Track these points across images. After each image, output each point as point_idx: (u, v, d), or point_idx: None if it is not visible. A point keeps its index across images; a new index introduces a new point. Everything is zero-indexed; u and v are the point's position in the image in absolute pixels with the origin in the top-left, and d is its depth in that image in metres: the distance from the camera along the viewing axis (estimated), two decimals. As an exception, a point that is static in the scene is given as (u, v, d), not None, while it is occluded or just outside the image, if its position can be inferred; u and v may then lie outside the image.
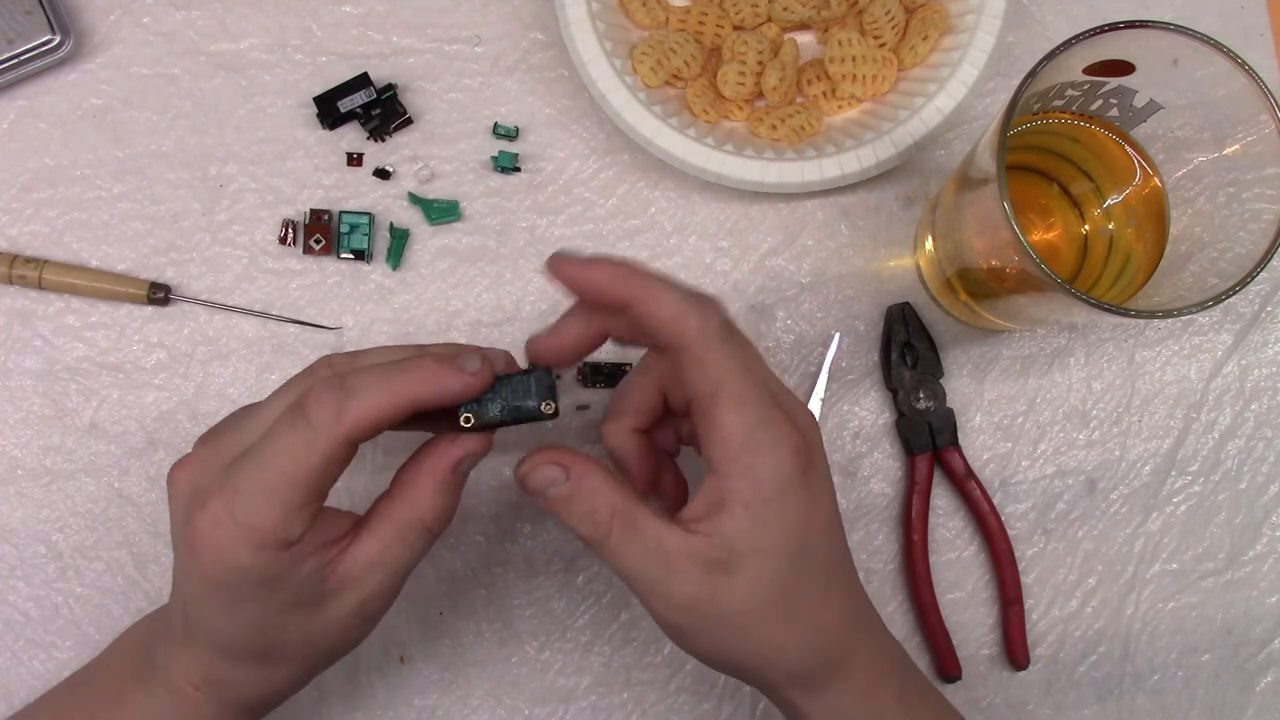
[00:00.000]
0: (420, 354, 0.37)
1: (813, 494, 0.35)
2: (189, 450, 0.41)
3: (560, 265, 0.36)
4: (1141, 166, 0.45)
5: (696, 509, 0.35)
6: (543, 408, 0.36)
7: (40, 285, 0.49)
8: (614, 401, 0.42)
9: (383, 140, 0.51)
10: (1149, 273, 0.44)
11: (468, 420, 0.36)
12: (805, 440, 0.35)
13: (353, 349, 0.50)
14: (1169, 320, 0.52)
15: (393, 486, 0.37)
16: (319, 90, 0.50)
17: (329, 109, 0.50)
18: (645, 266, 0.36)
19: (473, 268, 0.51)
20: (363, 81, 0.50)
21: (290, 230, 0.50)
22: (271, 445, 0.34)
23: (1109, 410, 0.52)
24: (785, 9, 0.50)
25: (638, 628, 0.50)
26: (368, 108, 0.50)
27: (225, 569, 0.34)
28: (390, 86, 0.51)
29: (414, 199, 0.51)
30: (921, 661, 0.50)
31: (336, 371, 0.36)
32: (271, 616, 0.35)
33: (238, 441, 0.35)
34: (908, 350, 0.51)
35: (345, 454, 0.34)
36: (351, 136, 0.51)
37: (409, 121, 0.51)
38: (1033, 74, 0.38)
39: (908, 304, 0.51)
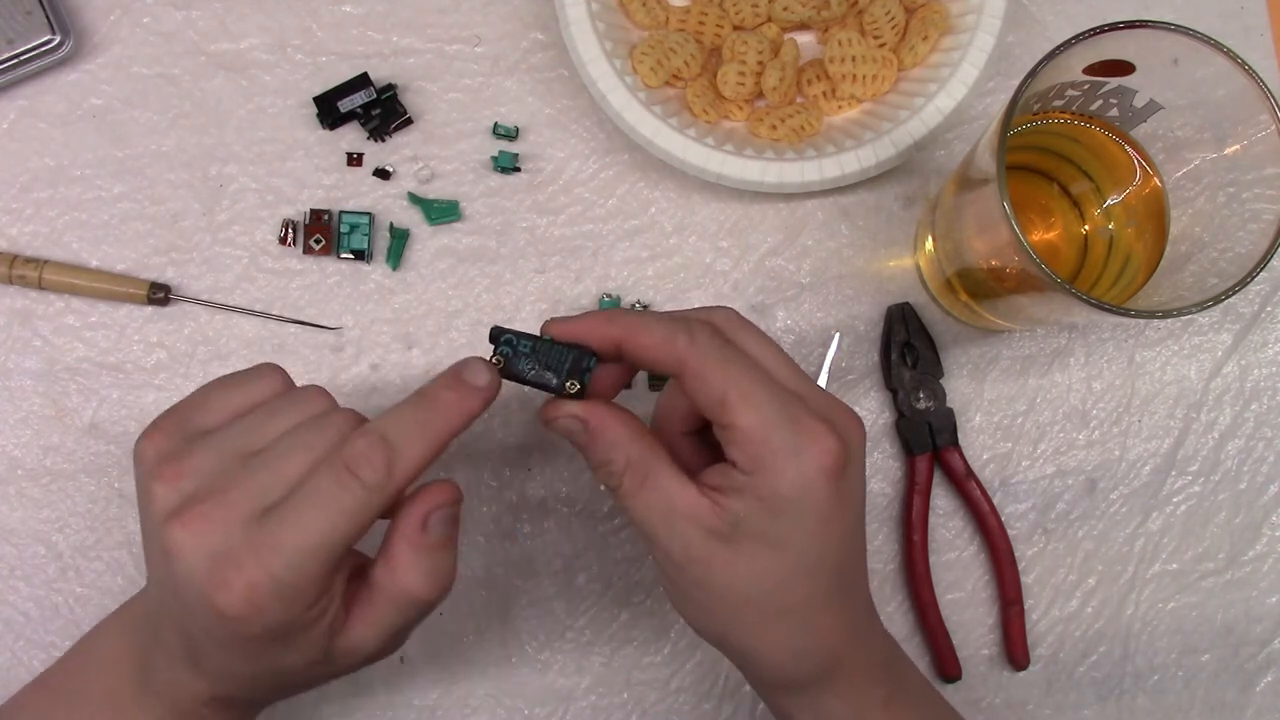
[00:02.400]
0: (430, 390, 0.36)
1: (840, 501, 0.35)
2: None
3: (550, 329, 0.37)
4: (1141, 166, 0.45)
5: (716, 477, 0.36)
6: (567, 386, 0.37)
7: (40, 285, 0.49)
8: (654, 415, 0.42)
9: (383, 140, 0.51)
10: (1149, 273, 0.44)
11: (498, 362, 0.37)
12: (841, 445, 0.34)
13: (353, 349, 0.50)
14: (1169, 320, 0.52)
15: (382, 553, 0.36)
16: (319, 90, 0.50)
17: (329, 109, 0.50)
18: (627, 310, 0.37)
19: (473, 268, 0.51)
20: (363, 81, 0.50)
21: (290, 230, 0.50)
22: (316, 505, 0.33)
23: (1109, 410, 0.52)
24: (785, 9, 0.50)
25: (638, 628, 0.50)
26: (368, 108, 0.50)
27: (258, 627, 0.33)
28: (390, 86, 0.51)
29: (414, 199, 0.51)
30: (921, 662, 0.50)
31: (361, 421, 0.35)
32: (292, 660, 0.35)
33: (259, 494, 0.33)
34: (908, 350, 0.51)
35: (381, 512, 0.34)
36: (351, 136, 0.51)
37: (409, 121, 0.51)
38: (1033, 74, 0.38)
39: (908, 304, 0.51)
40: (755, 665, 0.38)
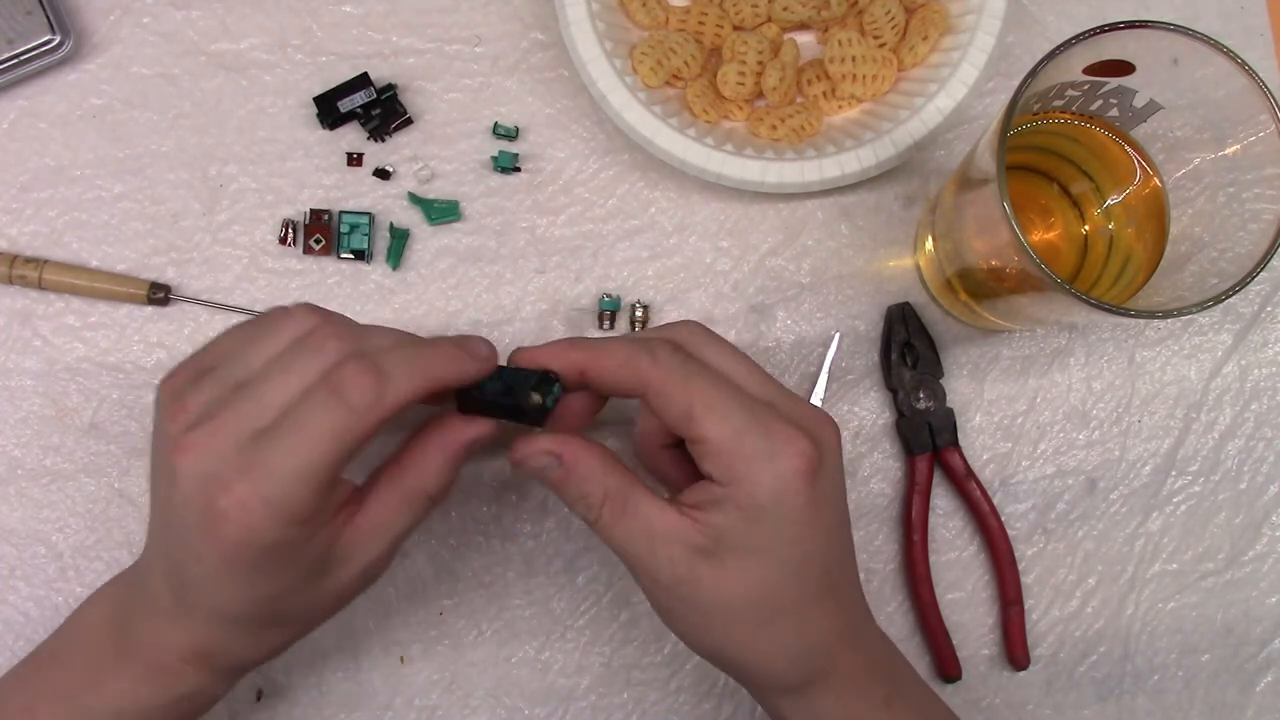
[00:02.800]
0: (433, 339, 0.38)
1: (818, 504, 0.35)
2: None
3: (515, 357, 0.38)
4: (1141, 166, 0.45)
5: (694, 495, 0.36)
6: (531, 398, 0.37)
7: (40, 285, 0.49)
8: (635, 436, 0.43)
9: (383, 140, 0.51)
10: (1149, 273, 0.44)
11: (466, 400, 0.37)
12: (815, 447, 0.35)
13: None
14: (1169, 320, 0.52)
15: (401, 457, 0.38)
16: (319, 90, 0.50)
17: (329, 109, 0.50)
18: (581, 338, 0.37)
19: (473, 268, 0.51)
20: (363, 81, 0.50)
21: (290, 230, 0.50)
22: (303, 427, 0.34)
23: (1109, 410, 0.52)
24: (785, 9, 0.50)
25: (638, 628, 0.50)
26: (368, 108, 0.50)
27: (250, 549, 0.34)
28: (390, 86, 0.51)
29: (414, 199, 0.51)
30: (921, 662, 0.50)
31: (356, 349, 0.35)
32: (284, 587, 0.36)
33: (248, 418, 0.34)
34: (908, 350, 0.51)
35: (371, 435, 0.35)
36: (351, 136, 0.51)
37: (409, 121, 0.51)
38: (1033, 74, 0.38)
39: (908, 304, 0.51)
40: (751, 673, 0.38)
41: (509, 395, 0.37)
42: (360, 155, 0.51)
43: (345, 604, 0.39)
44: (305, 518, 0.34)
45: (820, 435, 0.36)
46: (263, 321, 0.37)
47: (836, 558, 0.37)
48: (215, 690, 0.39)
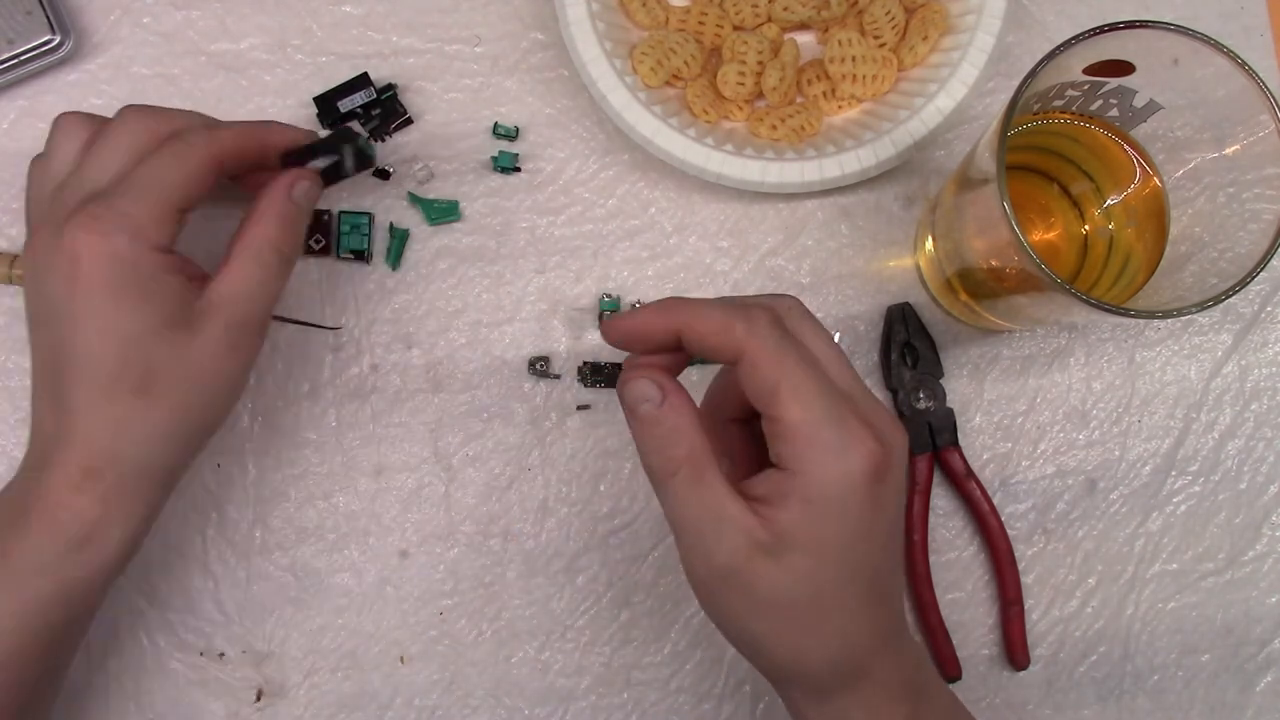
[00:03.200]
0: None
1: (878, 506, 0.35)
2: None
3: (608, 328, 0.37)
4: (1141, 166, 0.45)
5: (760, 488, 0.35)
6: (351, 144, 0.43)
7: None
8: (705, 398, 0.42)
9: (383, 140, 0.51)
10: (1149, 273, 0.44)
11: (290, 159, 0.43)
12: (883, 449, 0.34)
13: (353, 349, 0.50)
14: (1169, 320, 0.52)
15: (241, 222, 0.41)
16: (319, 90, 0.50)
17: (329, 109, 0.50)
18: (685, 298, 0.36)
19: (473, 268, 0.51)
20: (363, 81, 0.50)
21: (290, 230, 0.50)
22: (149, 161, 0.38)
23: (1109, 410, 0.52)
24: (785, 9, 0.50)
25: (638, 628, 0.50)
26: (368, 108, 0.50)
27: (105, 259, 0.36)
28: (390, 86, 0.51)
29: (414, 199, 0.51)
30: (921, 661, 0.50)
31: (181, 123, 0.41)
32: (146, 328, 0.37)
33: (91, 178, 0.39)
34: (908, 350, 0.51)
35: (213, 173, 0.40)
36: (351, 136, 0.51)
37: (409, 121, 0.51)
38: (1033, 74, 0.38)
39: (908, 304, 0.51)
40: (784, 671, 0.38)
41: (326, 146, 0.43)
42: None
43: (226, 379, 0.40)
44: (153, 240, 0.38)
45: (891, 439, 0.35)
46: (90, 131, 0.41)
47: (887, 566, 0.36)
48: (112, 526, 0.38)
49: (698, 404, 0.37)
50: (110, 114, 0.50)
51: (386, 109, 0.50)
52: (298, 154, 0.43)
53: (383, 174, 0.51)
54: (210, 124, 0.41)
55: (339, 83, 0.50)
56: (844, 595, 0.35)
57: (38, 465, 0.39)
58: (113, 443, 0.38)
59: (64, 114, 0.42)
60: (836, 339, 0.51)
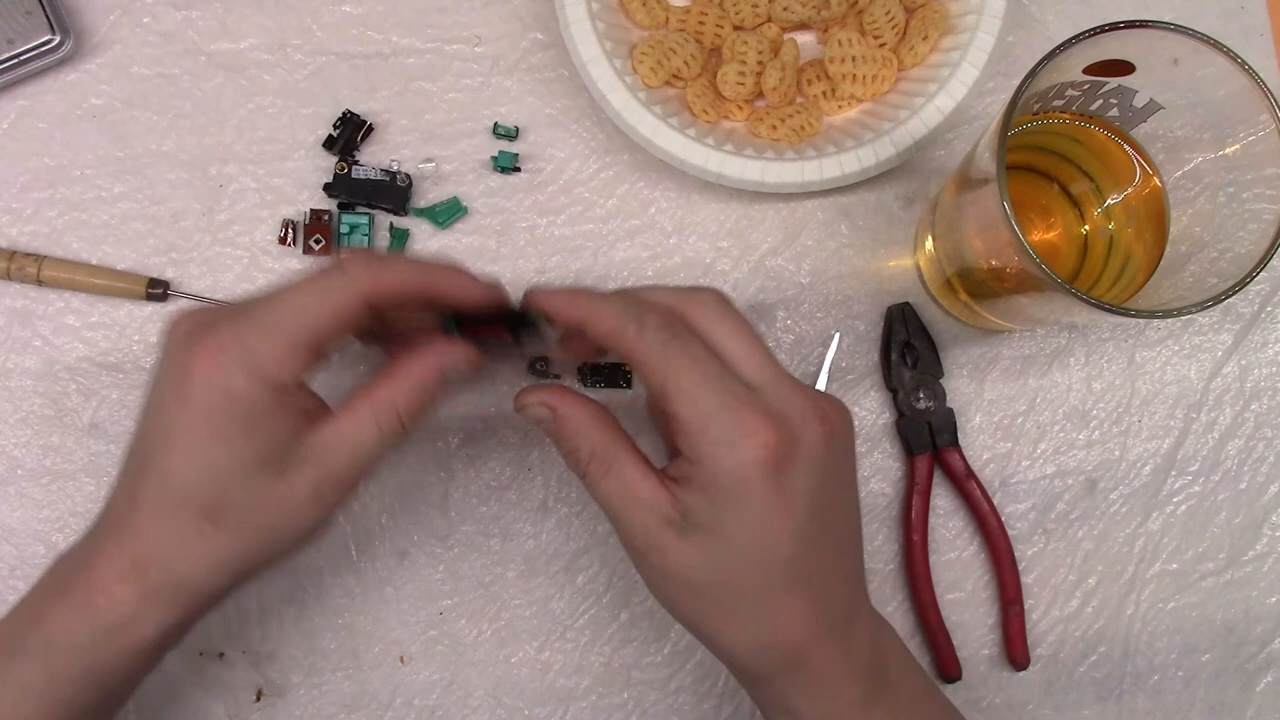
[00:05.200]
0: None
1: (782, 496, 0.35)
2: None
3: (529, 298, 0.39)
4: (1141, 166, 0.45)
5: (676, 469, 0.37)
6: (530, 328, 0.39)
7: (39, 280, 0.49)
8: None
9: (353, 154, 0.50)
10: (1149, 273, 0.44)
11: (457, 323, 0.40)
12: (780, 435, 0.35)
13: (353, 347, 0.50)
14: (1169, 320, 0.52)
15: (378, 374, 0.39)
16: (319, 91, 0.51)
17: (344, 185, 0.50)
18: (597, 290, 0.38)
19: (473, 268, 0.51)
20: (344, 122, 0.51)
21: (290, 230, 0.50)
22: (295, 287, 0.36)
23: (1109, 410, 0.52)
24: (785, 9, 0.50)
25: (638, 628, 0.50)
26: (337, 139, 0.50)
27: (217, 391, 0.35)
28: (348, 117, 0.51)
29: (417, 212, 0.50)
30: (921, 662, 0.50)
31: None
32: (236, 464, 0.36)
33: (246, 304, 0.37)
34: (908, 350, 0.51)
35: (360, 312, 0.36)
36: (351, 136, 0.51)
37: (371, 129, 0.51)
38: (1033, 74, 0.38)
39: (908, 304, 0.51)
40: (721, 653, 0.39)
41: (500, 321, 0.39)
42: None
43: (298, 531, 0.38)
44: (276, 377, 0.35)
45: (798, 427, 0.35)
46: None
47: (809, 550, 0.36)
48: (146, 624, 0.37)
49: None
50: (110, 113, 0.51)
51: (345, 125, 0.50)
52: (472, 319, 0.39)
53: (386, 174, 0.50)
54: (376, 256, 0.38)
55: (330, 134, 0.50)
56: (757, 583, 0.36)
57: (96, 541, 0.38)
58: (165, 551, 0.37)
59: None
60: (836, 339, 0.51)
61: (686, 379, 0.35)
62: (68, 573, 0.38)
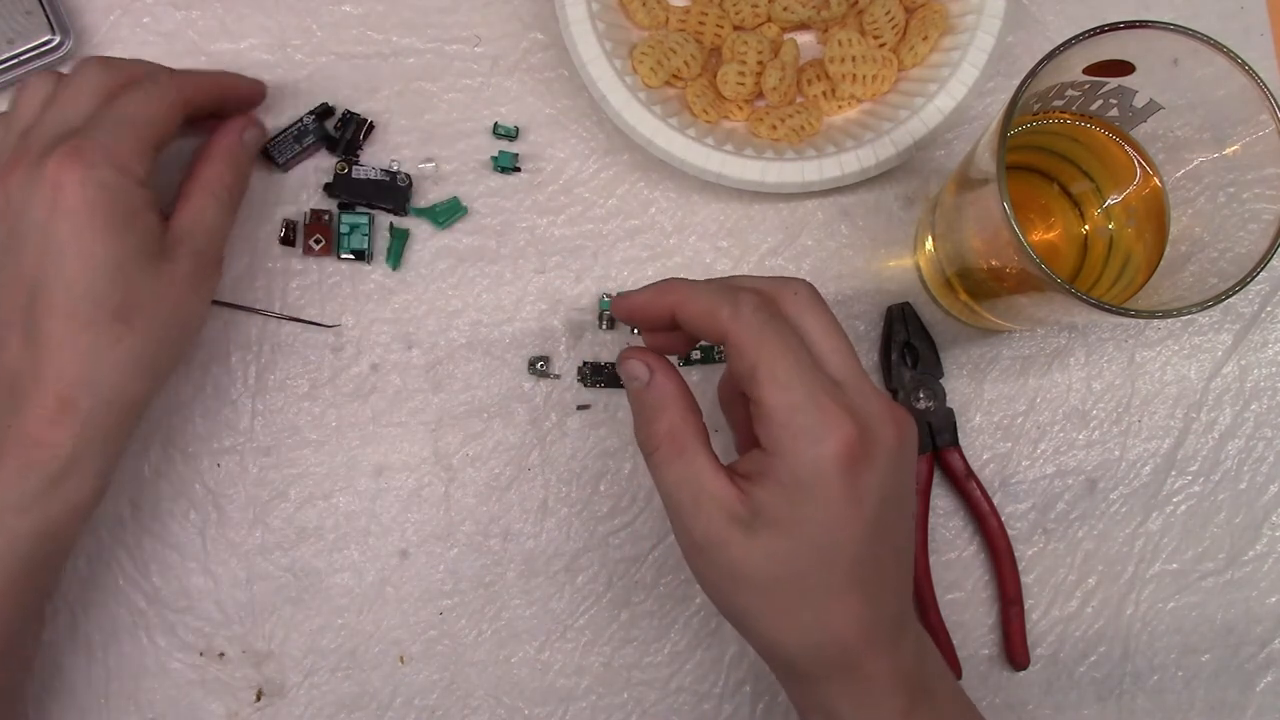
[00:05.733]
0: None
1: (855, 494, 0.35)
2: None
3: (617, 305, 0.40)
4: (1141, 166, 0.45)
5: (745, 465, 0.37)
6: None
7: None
8: (723, 373, 0.45)
9: (356, 154, 0.50)
10: (1149, 273, 0.44)
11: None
12: (860, 434, 0.35)
13: (353, 349, 0.50)
14: (1169, 320, 0.52)
15: (193, 161, 0.45)
16: (319, 91, 0.51)
17: (345, 185, 0.50)
18: (685, 279, 0.38)
19: (473, 268, 0.51)
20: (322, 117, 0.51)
21: (290, 230, 0.50)
22: (125, 100, 0.41)
23: (1109, 410, 0.52)
24: (785, 9, 0.50)
25: (638, 628, 0.50)
26: (335, 139, 0.50)
27: (91, 188, 0.38)
28: (328, 108, 0.51)
29: (417, 211, 0.50)
30: (921, 661, 0.50)
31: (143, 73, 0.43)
32: (128, 256, 0.39)
33: (61, 120, 0.41)
34: (908, 350, 0.51)
35: (179, 118, 0.42)
36: (351, 136, 0.51)
37: (371, 126, 0.51)
38: (1033, 74, 0.38)
39: (908, 304, 0.51)
40: (769, 651, 0.38)
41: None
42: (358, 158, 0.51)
43: (190, 312, 0.42)
44: (137, 173, 0.39)
45: (877, 429, 0.35)
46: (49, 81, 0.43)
47: (871, 553, 0.36)
48: (87, 465, 0.39)
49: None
50: (110, 114, 0.51)
51: (346, 125, 0.50)
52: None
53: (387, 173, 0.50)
54: (170, 70, 0.44)
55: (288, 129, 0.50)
56: (822, 579, 0.36)
57: (8, 402, 0.39)
58: (89, 371, 0.39)
59: (27, 76, 0.44)
60: (837, 339, 0.51)
61: (780, 365, 0.35)
62: None
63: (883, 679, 0.37)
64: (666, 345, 0.41)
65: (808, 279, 0.51)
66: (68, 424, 0.38)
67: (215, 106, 0.46)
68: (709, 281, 0.38)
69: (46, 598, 0.43)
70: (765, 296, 0.37)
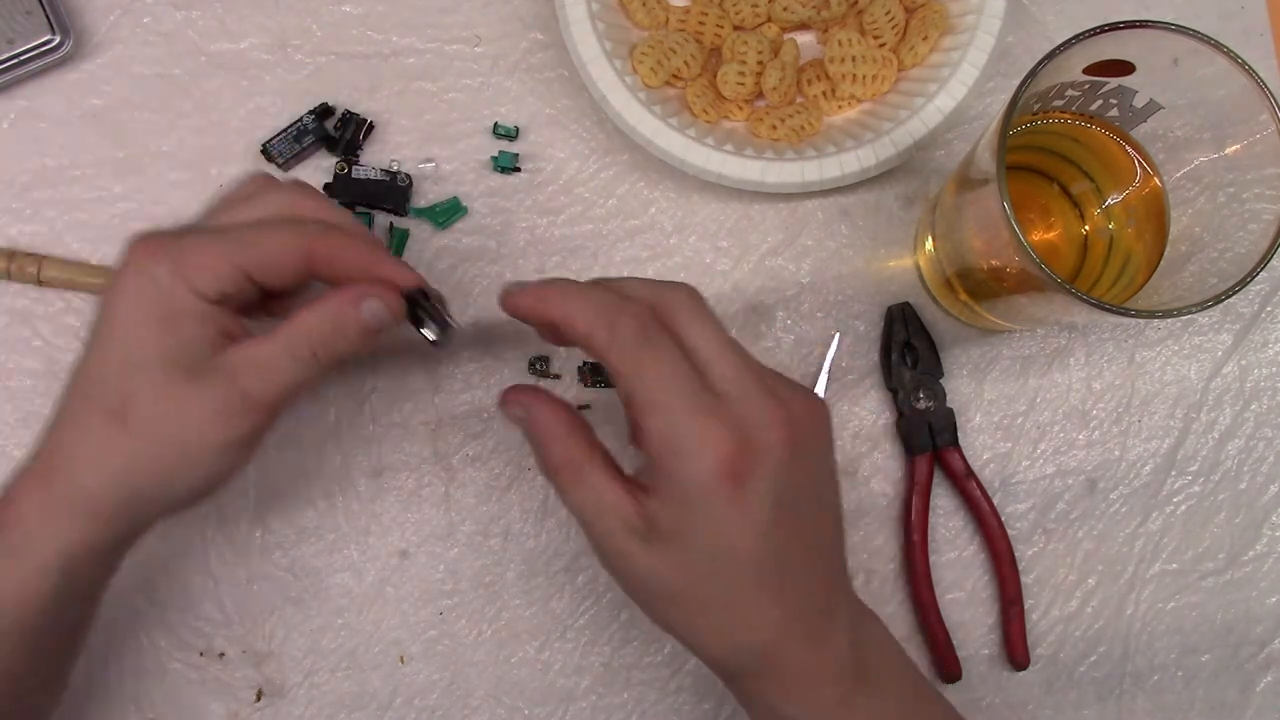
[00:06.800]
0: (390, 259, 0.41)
1: (743, 502, 0.35)
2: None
3: (504, 300, 0.39)
4: (1141, 166, 0.45)
5: (642, 475, 0.37)
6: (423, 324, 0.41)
7: (40, 280, 0.49)
8: None
9: (356, 154, 0.50)
10: (1149, 273, 0.44)
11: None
12: (739, 446, 0.35)
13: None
14: (1169, 320, 0.52)
15: (301, 305, 0.39)
16: (319, 91, 0.51)
17: (345, 185, 0.50)
18: (569, 283, 0.38)
19: (473, 268, 0.51)
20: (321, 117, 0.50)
21: (290, 230, 0.50)
22: (244, 221, 0.39)
23: (1109, 410, 0.52)
24: (785, 9, 0.50)
25: (638, 628, 0.50)
26: (336, 138, 0.50)
27: (141, 280, 0.36)
28: (328, 108, 0.51)
29: (417, 211, 0.50)
30: (921, 662, 0.50)
31: (325, 216, 0.40)
32: (147, 358, 0.36)
33: (202, 223, 0.40)
34: (908, 350, 0.51)
35: (295, 265, 0.38)
36: (351, 136, 0.51)
37: (371, 126, 0.51)
38: (1033, 74, 0.38)
39: (908, 304, 0.51)
40: (696, 652, 0.39)
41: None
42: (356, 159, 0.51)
43: (199, 443, 0.37)
44: (197, 282, 0.36)
45: (760, 435, 0.35)
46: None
47: (774, 555, 0.36)
48: (45, 539, 0.37)
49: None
50: (110, 113, 0.51)
51: (346, 125, 0.50)
52: (413, 301, 0.40)
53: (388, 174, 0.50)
54: (341, 227, 0.39)
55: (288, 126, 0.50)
56: (722, 588, 0.36)
57: (29, 457, 0.39)
58: (72, 457, 0.37)
59: (253, 174, 0.42)
60: (836, 339, 0.51)
61: (655, 390, 0.35)
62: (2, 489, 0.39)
63: (810, 671, 0.37)
64: (560, 339, 0.40)
65: (808, 279, 0.51)
66: (38, 497, 0.37)
67: (357, 278, 0.39)
68: (591, 290, 0.37)
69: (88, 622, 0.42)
70: (645, 310, 0.36)
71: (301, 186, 0.41)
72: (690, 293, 0.38)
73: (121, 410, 0.36)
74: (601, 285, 0.38)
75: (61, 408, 0.38)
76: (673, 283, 0.38)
